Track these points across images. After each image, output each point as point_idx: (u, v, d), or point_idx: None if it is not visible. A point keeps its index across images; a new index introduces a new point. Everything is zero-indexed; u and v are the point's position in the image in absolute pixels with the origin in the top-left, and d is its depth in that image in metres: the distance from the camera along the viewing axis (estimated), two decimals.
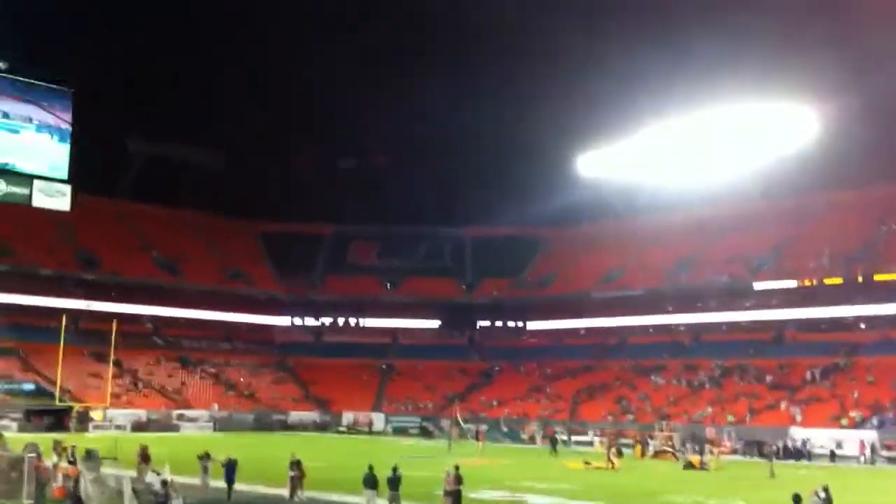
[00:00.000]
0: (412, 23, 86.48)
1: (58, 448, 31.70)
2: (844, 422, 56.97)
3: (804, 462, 50.92)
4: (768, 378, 67.70)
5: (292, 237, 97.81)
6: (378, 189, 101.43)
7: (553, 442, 54.91)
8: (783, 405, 62.34)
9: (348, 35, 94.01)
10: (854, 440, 53.79)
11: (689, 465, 44.76)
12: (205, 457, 29.28)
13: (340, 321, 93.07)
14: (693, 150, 72.20)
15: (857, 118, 67.34)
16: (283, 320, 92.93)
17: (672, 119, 70.62)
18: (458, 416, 61.33)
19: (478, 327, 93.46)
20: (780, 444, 53.47)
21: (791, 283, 71.86)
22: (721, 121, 68.58)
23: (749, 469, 44.73)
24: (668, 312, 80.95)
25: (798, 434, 56.18)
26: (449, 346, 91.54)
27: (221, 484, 27.70)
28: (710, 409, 64.63)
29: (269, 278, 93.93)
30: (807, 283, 71.02)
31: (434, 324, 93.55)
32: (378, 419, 76.66)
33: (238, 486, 27.94)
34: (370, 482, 24.32)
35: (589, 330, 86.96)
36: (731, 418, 61.98)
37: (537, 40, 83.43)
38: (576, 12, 74.98)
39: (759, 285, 74.25)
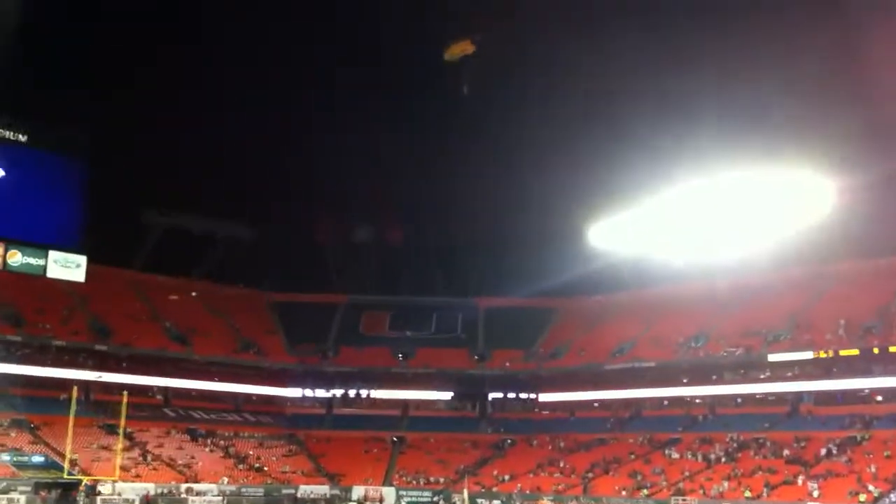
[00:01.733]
0: (426, 94, 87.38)
1: None
2: (863, 497, 55.91)
3: None
4: (785, 452, 66.72)
5: (305, 307, 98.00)
6: (391, 260, 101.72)
7: None
8: (800, 480, 61.28)
9: (359, 104, 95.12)
10: None
11: None
12: None
13: (352, 393, 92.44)
14: (706, 220, 72.05)
15: (872, 188, 67.25)
16: (294, 392, 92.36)
17: (685, 188, 70.56)
18: (467, 492, 60.42)
19: (490, 399, 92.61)
20: None
21: (806, 355, 71.28)
22: (735, 190, 68.51)
23: None
24: (682, 384, 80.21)
25: None
26: (461, 419, 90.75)
27: None
28: (726, 485, 63.55)
29: (280, 349, 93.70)
30: (822, 354, 70.43)
31: (446, 395, 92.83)
32: (389, 494, 75.61)
33: None
34: None
35: (602, 402, 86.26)
36: (747, 494, 60.93)
37: (549, 109, 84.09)
38: (588, 77, 75.49)
39: (773, 357, 73.64)
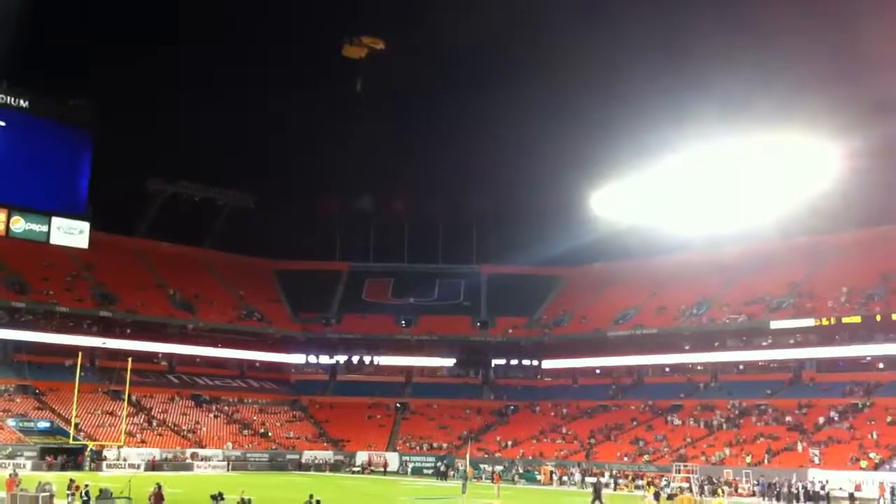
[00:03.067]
0: (425, 65, 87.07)
1: (71, 487, 31.71)
2: (864, 463, 56.19)
3: None
4: (786, 418, 66.99)
5: (308, 275, 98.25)
6: (393, 227, 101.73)
7: (597, 490, 44.23)
8: (801, 446, 61.58)
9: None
10: (873, 482, 53.01)
11: None
12: (218, 497, 29.14)
13: (355, 359, 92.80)
14: (709, 188, 72.06)
15: (876, 154, 66.91)
16: (297, 358, 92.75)
17: (688, 156, 70.40)
18: (468, 457, 60.76)
19: (493, 366, 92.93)
20: (799, 487, 52.73)
21: (809, 322, 71.36)
22: (738, 158, 68.46)
23: None
24: (684, 352, 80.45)
25: (817, 476, 55.40)
26: (464, 385, 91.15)
27: None
28: (727, 451, 63.89)
29: (284, 316, 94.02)
30: (824, 322, 70.50)
31: (449, 362, 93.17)
32: (392, 459, 76.16)
33: None
34: None
35: (604, 369, 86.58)
36: (748, 460, 61.27)
37: (552, 76, 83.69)
38: (591, 46, 75.06)
39: (776, 324, 73.72)
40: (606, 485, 56.12)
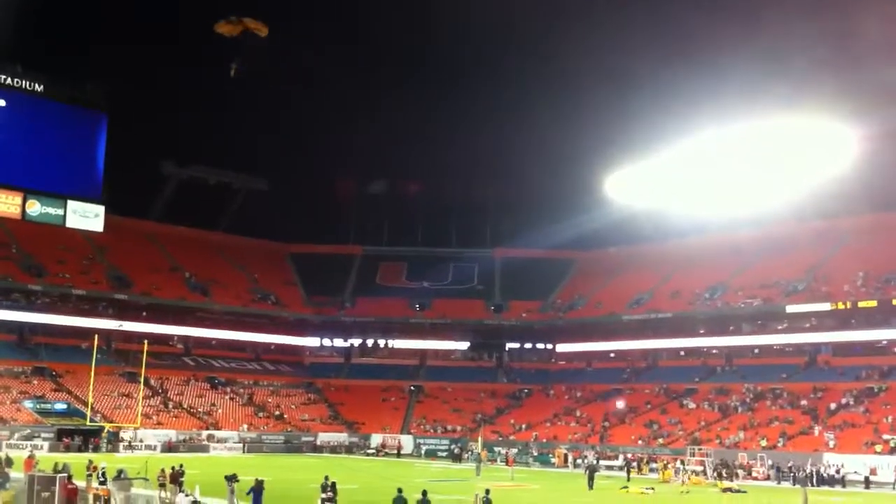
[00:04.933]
0: (441, 49, 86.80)
1: (90, 468, 31.94)
2: (879, 447, 56.03)
3: (838, 489, 50.05)
4: (802, 402, 66.85)
5: (322, 259, 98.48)
6: (407, 211, 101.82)
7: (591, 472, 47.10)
8: (816, 430, 61.48)
9: (375, 61, 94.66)
10: (889, 466, 52.87)
11: (728, 490, 45.26)
12: (232, 478, 29.27)
13: (369, 342, 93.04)
14: (724, 171, 71.62)
15: (893, 138, 66.30)
16: (312, 341, 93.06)
17: (703, 139, 69.91)
18: (481, 440, 60.90)
19: (506, 349, 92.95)
20: (814, 470, 52.63)
21: (824, 306, 71.01)
22: (754, 141, 67.97)
23: (782, 496, 44.02)
24: (699, 335, 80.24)
25: (832, 460, 55.29)
26: (477, 369, 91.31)
27: None
28: (742, 435, 63.85)
29: (298, 299, 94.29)
30: (840, 306, 70.16)
31: (463, 345, 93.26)
32: (407, 441, 76.45)
33: None
34: None
35: (618, 353, 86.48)
36: (763, 443, 61.17)
37: (565, 60, 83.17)
38: (606, 30, 74.56)
39: (791, 308, 73.44)
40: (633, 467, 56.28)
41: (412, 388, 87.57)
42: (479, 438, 61.68)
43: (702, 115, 67.89)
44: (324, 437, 76.29)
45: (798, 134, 66.40)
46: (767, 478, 55.03)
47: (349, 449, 75.32)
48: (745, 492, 44.64)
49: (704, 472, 53.30)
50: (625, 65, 76.15)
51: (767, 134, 67.19)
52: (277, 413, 78.55)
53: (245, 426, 73.92)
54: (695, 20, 71.66)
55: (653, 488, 43.90)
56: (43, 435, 61.54)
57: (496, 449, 69.66)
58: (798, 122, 65.33)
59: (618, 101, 76.75)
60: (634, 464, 57.30)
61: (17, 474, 32.41)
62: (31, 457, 37.09)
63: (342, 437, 77.55)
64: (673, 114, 70.70)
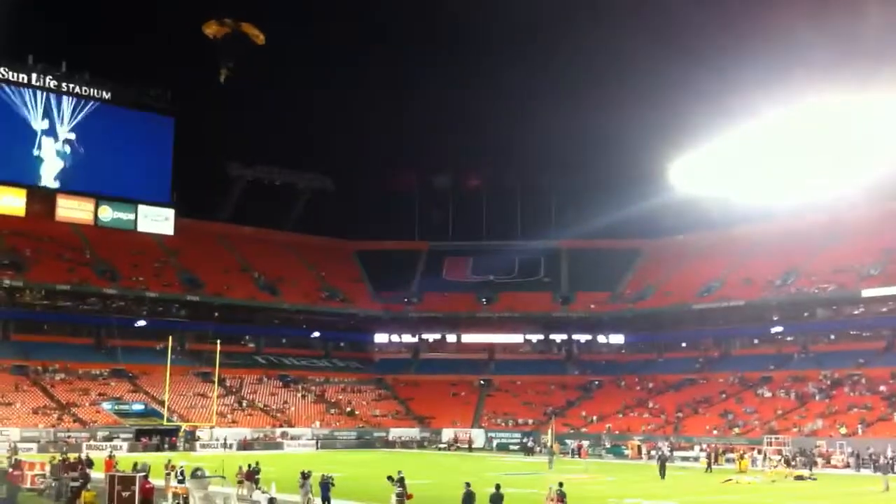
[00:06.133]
0: (503, 42, 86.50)
1: (168, 467, 32.52)
2: None
3: None
4: (881, 388, 65.13)
5: (388, 255, 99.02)
6: (472, 205, 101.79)
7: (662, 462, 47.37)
8: None
9: (439, 54, 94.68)
10: None
11: (799, 478, 44.80)
12: (307, 474, 29.51)
13: (437, 337, 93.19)
14: (793, 153, 69.79)
15: None
16: (381, 337, 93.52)
17: (771, 119, 67.87)
18: (552, 433, 60.50)
19: (575, 341, 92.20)
20: (894, 457, 51.22)
21: None
22: (825, 120, 65.95)
23: (861, 483, 42.94)
24: (772, 323, 78.65)
25: None
26: (546, 361, 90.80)
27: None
28: (820, 423, 62.44)
29: (366, 296, 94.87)
30: None
31: (531, 338, 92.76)
32: (478, 435, 76.40)
33: (337, 502, 28.01)
34: (468, 501, 23.73)
35: (690, 343, 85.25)
36: (842, 431, 59.76)
37: (628, 42, 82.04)
38: (670, 7, 73.08)
39: (867, 293, 71.59)
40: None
41: (482, 381, 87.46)
42: (551, 431, 61.29)
43: (770, 93, 66.11)
44: (395, 433, 76.65)
45: (872, 111, 64.33)
46: (847, 465, 53.80)
47: (420, 444, 75.57)
48: (815, 479, 44.27)
49: (785, 462, 52.31)
50: (689, 45, 74.84)
51: (839, 112, 65.08)
52: (349, 409, 79.13)
53: (317, 423, 74.60)
54: None
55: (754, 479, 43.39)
56: (122, 435, 62.95)
57: (567, 441, 69.19)
58: (872, 99, 63.28)
59: (683, 81, 75.27)
60: (712, 454, 56.38)
61: (97, 474, 33.11)
62: (111, 457, 37.87)
63: (413, 431, 77.83)
64: (740, 92, 68.87)
